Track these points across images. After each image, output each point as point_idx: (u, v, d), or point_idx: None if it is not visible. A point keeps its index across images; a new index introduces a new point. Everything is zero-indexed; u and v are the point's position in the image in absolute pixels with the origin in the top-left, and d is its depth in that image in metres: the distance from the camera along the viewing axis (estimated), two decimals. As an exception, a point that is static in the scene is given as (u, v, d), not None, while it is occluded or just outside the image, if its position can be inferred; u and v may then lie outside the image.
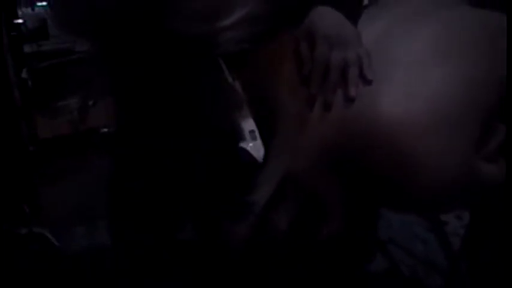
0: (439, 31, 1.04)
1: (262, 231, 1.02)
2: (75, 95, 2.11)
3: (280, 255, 1.05)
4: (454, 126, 0.96)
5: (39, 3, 2.14)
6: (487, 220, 1.34)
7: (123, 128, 1.29)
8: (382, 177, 0.98)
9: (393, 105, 0.95)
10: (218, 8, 0.82)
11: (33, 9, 2.18)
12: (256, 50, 1.06)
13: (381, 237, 2.10)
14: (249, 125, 1.06)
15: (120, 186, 1.28)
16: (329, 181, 1.02)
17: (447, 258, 1.90)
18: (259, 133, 1.05)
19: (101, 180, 1.30)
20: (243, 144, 1.04)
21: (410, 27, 1.05)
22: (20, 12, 2.17)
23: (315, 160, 1.01)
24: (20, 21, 2.18)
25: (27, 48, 2.18)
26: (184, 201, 1.22)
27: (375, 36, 1.05)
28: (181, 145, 1.06)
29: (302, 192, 1.02)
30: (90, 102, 2.01)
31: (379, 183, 1.00)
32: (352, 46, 1.01)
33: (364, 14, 1.11)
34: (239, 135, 1.05)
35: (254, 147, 1.04)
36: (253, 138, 1.05)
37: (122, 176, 1.27)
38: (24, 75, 2.13)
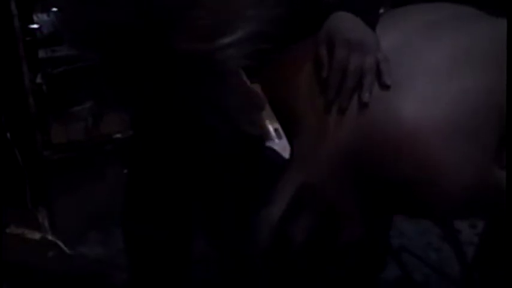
0: (460, 40, 1.04)
1: (279, 244, 1.02)
2: (90, 101, 2.12)
3: (297, 264, 1.05)
4: (472, 134, 0.96)
5: (55, 9, 2.15)
6: (501, 229, 1.33)
7: (137, 134, 1.29)
8: (399, 184, 0.98)
9: (412, 112, 0.95)
10: (220, 26, 0.82)
11: (48, 15, 2.19)
12: (274, 60, 1.06)
13: (394, 245, 2.09)
14: (273, 124, 1.06)
15: (135, 193, 1.27)
16: (347, 189, 1.02)
17: (461, 267, 1.88)
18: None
19: (115, 187, 1.30)
20: (269, 143, 1.03)
21: (431, 35, 1.05)
22: (35, 18, 2.18)
23: (332, 168, 1.01)
24: (36, 26, 2.19)
25: (41, 54, 2.19)
26: (201, 209, 1.21)
27: (393, 43, 1.05)
28: (200, 151, 1.06)
29: (320, 201, 1.01)
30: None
31: (396, 190, 0.99)
32: (372, 51, 1.01)
33: (380, 21, 1.11)
34: (265, 135, 1.04)
35: (280, 145, 1.03)
36: (279, 137, 1.04)
37: (137, 182, 1.27)
38: (38, 80, 2.14)
